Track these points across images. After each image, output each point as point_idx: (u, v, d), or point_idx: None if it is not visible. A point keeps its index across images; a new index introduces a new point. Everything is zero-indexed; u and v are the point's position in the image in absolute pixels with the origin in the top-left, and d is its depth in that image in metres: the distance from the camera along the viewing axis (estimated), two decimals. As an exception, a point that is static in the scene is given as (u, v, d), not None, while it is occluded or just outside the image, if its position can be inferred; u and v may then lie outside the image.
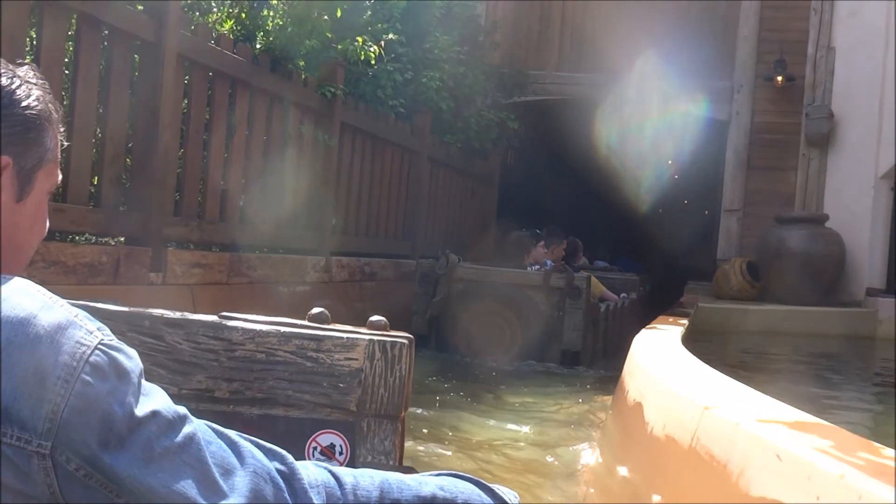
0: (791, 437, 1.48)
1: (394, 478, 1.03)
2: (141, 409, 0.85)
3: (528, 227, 6.84)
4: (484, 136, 8.55)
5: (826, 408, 3.67)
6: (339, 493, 0.98)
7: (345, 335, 1.29)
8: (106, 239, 3.86)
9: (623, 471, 2.39)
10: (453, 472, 1.10)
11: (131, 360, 0.88)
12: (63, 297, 0.90)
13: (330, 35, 5.83)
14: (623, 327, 6.41)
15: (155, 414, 0.86)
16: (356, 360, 1.28)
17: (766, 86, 9.29)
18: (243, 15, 5.50)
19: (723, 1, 9.59)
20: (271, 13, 5.60)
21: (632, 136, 9.85)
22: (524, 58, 9.93)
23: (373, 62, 6.18)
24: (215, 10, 5.42)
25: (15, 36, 3.04)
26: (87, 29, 3.52)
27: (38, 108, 0.96)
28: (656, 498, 1.87)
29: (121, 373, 0.85)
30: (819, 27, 9.12)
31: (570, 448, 3.26)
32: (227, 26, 5.28)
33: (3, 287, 0.86)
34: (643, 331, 3.67)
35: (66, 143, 1.05)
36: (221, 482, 0.88)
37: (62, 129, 1.02)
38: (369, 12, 6.77)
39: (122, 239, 3.88)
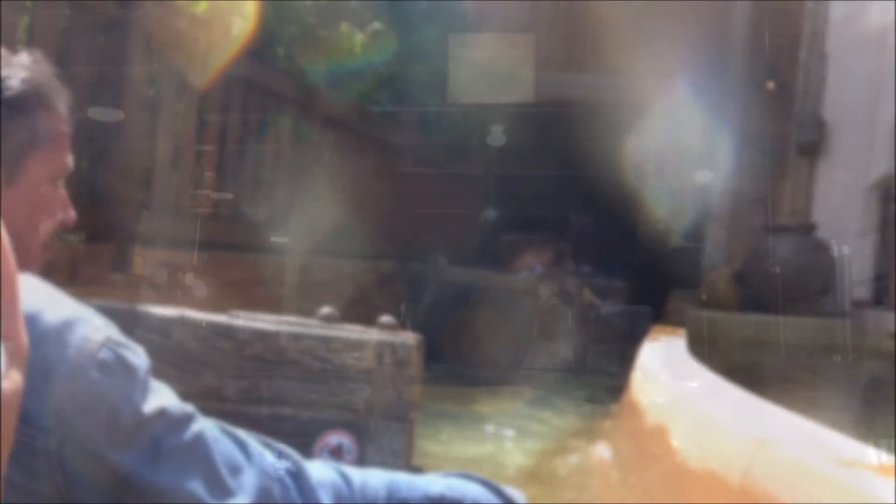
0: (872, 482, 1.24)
1: (402, 477, 1.03)
2: (148, 407, 0.84)
3: (518, 227, 6.75)
4: (471, 134, 8.39)
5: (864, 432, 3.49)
6: (347, 492, 0.97)
7: (354, 335, 1.30)
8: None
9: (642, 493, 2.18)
10: (462, 472, 1.09)
11: (138, 356, 0.87)
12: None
13: (313, 21, 5.59)
14: (614, 333, 6.34)
15: (162, 411, 0.85)
16: (365, 360, 1.28)
17: (757, 91, 9.17)
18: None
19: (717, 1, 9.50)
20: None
21: (621, 141, 9.73)
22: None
23: (357, 51, 5.97)
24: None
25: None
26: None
27: (21, 89, 0.94)
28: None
29: (128, 369, 0.84)
30: (812, 33, 9.04)
31: (568, 458, 3.14)
32: (201, 7, 5.01)
33: None
34: (648, 343, 3.47)
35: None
36: (229, 480, 0.87)
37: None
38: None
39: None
